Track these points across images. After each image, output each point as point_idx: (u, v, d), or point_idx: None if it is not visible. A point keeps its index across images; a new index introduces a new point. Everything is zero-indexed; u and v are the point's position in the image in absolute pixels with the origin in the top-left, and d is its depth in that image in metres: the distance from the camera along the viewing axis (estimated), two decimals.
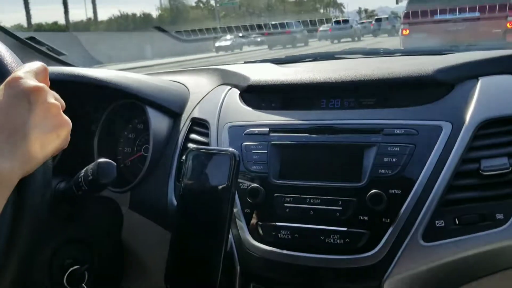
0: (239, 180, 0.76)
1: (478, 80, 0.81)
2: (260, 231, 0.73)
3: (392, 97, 0.83)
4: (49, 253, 0.78)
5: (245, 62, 1.38)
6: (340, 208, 0.70)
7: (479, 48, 1.14)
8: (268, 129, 0.81)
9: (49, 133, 0.56)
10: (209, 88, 1.04)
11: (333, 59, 1.27)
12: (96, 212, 0.89)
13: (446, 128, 0.73)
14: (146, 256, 0.90)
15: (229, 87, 1.00)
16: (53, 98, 0.58)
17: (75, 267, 0.78)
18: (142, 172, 0.90)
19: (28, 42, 1.36)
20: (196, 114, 0.95)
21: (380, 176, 0.70)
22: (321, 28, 19.35)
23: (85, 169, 0.72)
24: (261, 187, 0.75)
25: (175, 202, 0.85)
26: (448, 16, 6.35)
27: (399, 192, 0.69)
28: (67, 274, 0.77)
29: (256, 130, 0.82)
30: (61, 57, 1.39)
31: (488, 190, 0.68)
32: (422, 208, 0.67)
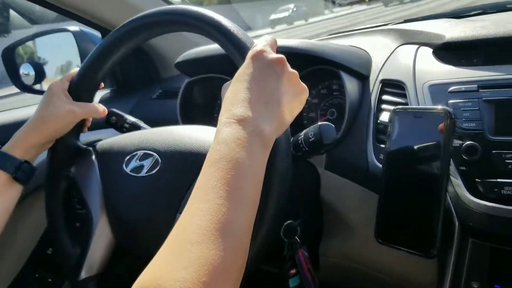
0: None
1: None
2: (480, 188, 0.73)
3: None
4: None
5: (405, 21, 1.34)
6: None
7: None
8: (477, 85, 0.79)
9: (294, 99, 0.62)
10: (390, 49, 1.04)
11: (507, 10, 1.17)
12: (298, 172, 0.96)
13: None
14: (346, 213, 0.94)
15: (416, 46, 0.98)
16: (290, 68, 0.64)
17: (289, 221, 0.85)
18: (339, 135, 0.94)
19: None
20: (385, 75, 0.96)
21: None
22: None
23: (303, 131, 0.77)
24: (478, 144, 0.74)
25: (376, 163, 0.87)
26: None
27: None
28: (283, 227, 0.84)
29: (463, 87, 0.80)
30: None
31: None
32: None
